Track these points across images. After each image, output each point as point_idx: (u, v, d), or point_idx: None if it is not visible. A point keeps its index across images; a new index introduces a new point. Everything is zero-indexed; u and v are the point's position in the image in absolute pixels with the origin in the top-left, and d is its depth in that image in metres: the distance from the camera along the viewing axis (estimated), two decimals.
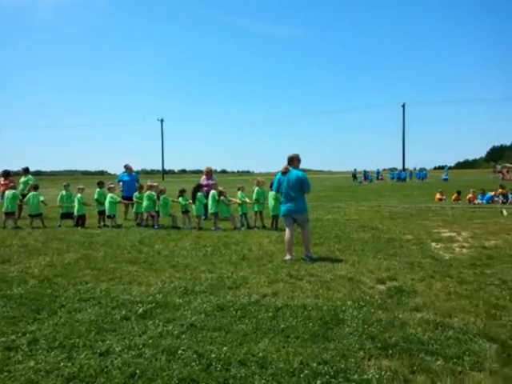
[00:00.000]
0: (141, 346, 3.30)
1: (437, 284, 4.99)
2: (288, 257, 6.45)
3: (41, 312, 4.14)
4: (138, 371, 2.88)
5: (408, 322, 3.73)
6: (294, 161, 6.73)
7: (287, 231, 6.62)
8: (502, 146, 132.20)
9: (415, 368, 2.90)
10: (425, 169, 53.28)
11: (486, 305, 4.20)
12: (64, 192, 11.13)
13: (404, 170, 50.75)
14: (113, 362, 3.02)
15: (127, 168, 12.52)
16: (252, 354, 3.12)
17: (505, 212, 11.67)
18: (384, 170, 61.95)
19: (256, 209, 10.30)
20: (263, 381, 2.74)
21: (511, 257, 6.45)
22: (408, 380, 2.76)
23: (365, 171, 46.91)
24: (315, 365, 2.93)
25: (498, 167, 46.39)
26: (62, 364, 3.02)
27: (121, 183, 12.36)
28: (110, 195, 10.78)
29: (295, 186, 6.51)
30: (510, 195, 15.96)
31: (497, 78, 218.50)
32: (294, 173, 6.58)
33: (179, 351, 3.18)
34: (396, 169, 53.67)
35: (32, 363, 3.03)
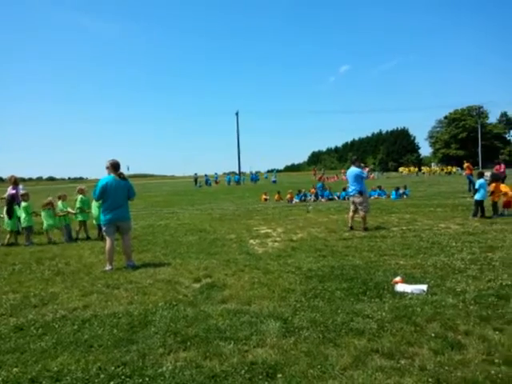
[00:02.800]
0: None
1: (245, 276, 5.58)
2: (108, 267, 6.30)
3: None
4: None
5: (211, 314, 4.11)
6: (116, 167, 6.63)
7: (108, 240, 6.46)
8: (319, 151, 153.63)
9: (208, 354, 3.25)
10: (259, 172, 57.99)
11: (280, 290, 4.89)
12: None
13: (239, 173, 54.17)
14: None
15: None
16: (47, 369, 3.02)
17: (310, 208, 13.65)
18: (225, 173, 65.20)
19: (80, 218, 9.69)
20: None
21: (310, 247, 7.60)
22: (200, 365, 3.07)
23: (206, 175, 48.49)
24: (113, 368, 3.01)
25: (317, 170, 53.72)
26: None
27: None
28: None
29: (121, 193, 6.43)
30: (319, 194, 18.73)
31: (307, 93, 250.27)
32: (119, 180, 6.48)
33: None
34: (235, 172, 57.00)
35: None
